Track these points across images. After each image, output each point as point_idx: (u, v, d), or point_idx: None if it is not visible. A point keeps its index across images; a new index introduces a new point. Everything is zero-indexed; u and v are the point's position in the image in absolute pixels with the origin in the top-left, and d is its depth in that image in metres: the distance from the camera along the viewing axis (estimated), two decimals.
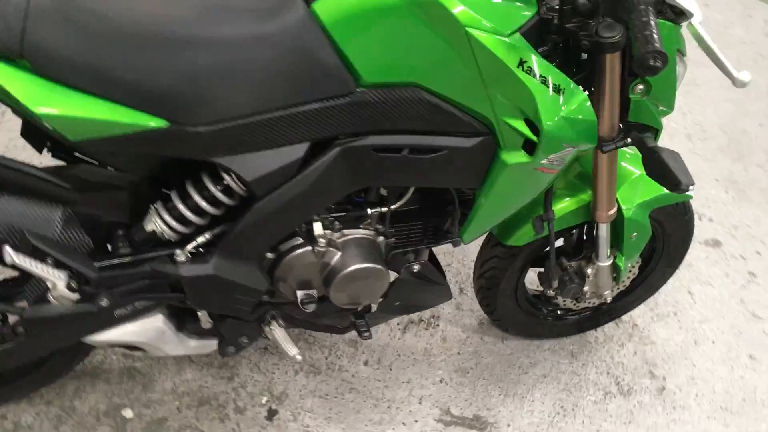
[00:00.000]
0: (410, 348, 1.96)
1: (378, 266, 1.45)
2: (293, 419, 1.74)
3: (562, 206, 1.66)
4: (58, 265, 1.22)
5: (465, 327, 2.03)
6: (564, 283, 1.79)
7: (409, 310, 1.71)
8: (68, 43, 1.08)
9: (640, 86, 1.39)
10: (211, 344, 1.53)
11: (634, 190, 1.68)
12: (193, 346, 1.52)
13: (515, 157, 1.32)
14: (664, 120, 1.49)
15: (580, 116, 1.30)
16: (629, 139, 1.46)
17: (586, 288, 1.82)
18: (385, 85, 1.22)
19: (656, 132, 1.49)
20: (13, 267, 1.20)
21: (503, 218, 1.52)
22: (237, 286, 1.36)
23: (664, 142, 2.07)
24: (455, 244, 1.62)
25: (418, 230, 1.55)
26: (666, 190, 1.68)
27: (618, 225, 1.69)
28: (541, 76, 1.24)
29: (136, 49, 1.11)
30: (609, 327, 2.09)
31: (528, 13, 1.24)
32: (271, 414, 1.75)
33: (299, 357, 1.53)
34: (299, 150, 1.25)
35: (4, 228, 1.18)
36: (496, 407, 1.87)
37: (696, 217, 2.32)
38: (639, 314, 2.13)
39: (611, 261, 1.75)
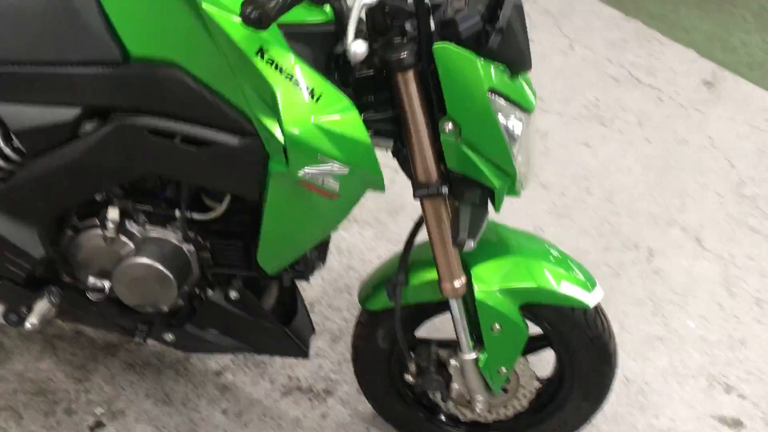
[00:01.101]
0: (280, 413, 1.76)
1: (161, 269, 1.35)
2: None
3: (423, 274, 1.45)
4: None
5: (356, 412, 1.78)
6: (423, 371, 1.53)
7: (239, 347, 1.57)
8: None
9: (449, 124, 1.21)
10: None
11: (499, 269, 1.42)
12: None
13: (276, 164, 1.20)
14: None
15: (342, 130, 1.15)
16: (444, 188, 1.26)
17: (454, 385, 1.54)
18: (150, 60, 1.20)
19: (490, 192, 1.28)
20: None
21: (299, 248, 1.36)
22: (7, 243, 1.36)
23: None
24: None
25: (240, 252, 1.44)
26: (544, 284, 1.40)
27: (471, 308, 1.43)
28: (287, 73, 1.13)
29: None
30: None
31: (307, 16, 1.16)
32: (97, 426, 1.66)
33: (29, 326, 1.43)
34: (69, 113, 1.25)
35: None
36: None
37: None
38: None
39: (474, 356, 1.47)
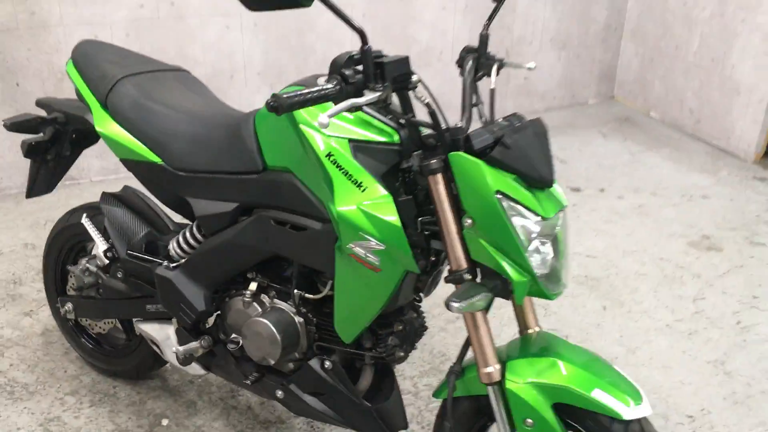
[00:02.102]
0: None
1: (273, 330, 1.74)
2: None
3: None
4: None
5: None
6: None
7: (333, 418, 1.82)
8: (128, 108, 1.93)
9: (468, 220, 1.46)
10: (196, 368, 2.00)
11: (533, 366, 1.52)
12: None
13: (338, 242, 1.56)
14: None
15: (378, 213, 1.49)
16: (467, 275, 1.48)
17: None
18: (277, 169, 1.69)
19: (505, 282, 1.46)
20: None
21: (363, 318, 1.63)
22: (184, 297, 1.88)
23: None
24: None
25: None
26: (574, 384, 1.48)
27: (503, 400, 1.53)
28: (344, 170, 1.52)
29: (165, 119, 1.90)
30: None
31: (374, 136, 1.56)
32: None
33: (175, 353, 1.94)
34: (229, 207, 1.78)
35: None
36: None
37: None
38: None
39: None
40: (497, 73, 1.74)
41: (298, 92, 1.32)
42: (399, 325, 1.76)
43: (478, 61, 1.72)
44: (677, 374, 2.43)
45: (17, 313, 2.66)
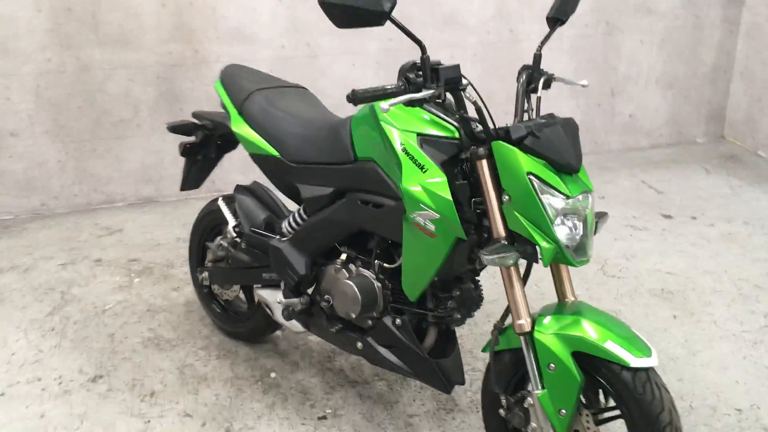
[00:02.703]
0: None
1: (356, 291, 2.13)
2: None
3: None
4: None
5: None
6: (510, 407, 1.93)
7: (403, 369, 2.17)
8: (256, 113, 2.43)
9: (506, 196, 1.81)
10: (296, 325, 2.43)
11: (558, 321, 1.81)
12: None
13: (405, 213, 1.95)
14: None
15: (436, 191, 1.86)
16: (503, 242, 1.82)
17: (532, 424, 1.89)
18: (364, 159, 2.11)
19: (535, 249, 1.78)
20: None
21: (421, 278, 1.99)
22: (289, 263, 2.32)
23: None
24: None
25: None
26: (589, 336, 1.76)
27: (532, 349, 1.83)
28: (411, 156, 1.91)
29: (284, 122, 2.38)
30: None
31: (437, 132, 1.94)
32: (323, 418, 2.41)
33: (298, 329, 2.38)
34: (328, 190, 2.22)
35: None
36: None
37: None
38: None
39: (539, 391, 1.83)
40: (548, 86, 2.07)
41: (370, 89, 1.74)
42: (457, 291, 2.11)
43: (531, 75, 2.07)
44: (733, 374, 2.58)
45: (168, 288, 3.24)
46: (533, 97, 2.01)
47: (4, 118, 3.89)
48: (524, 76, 2.06)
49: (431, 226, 1.91)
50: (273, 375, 2.64)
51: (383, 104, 1.69)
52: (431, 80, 1.80)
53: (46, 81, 3.89)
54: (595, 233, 1.95)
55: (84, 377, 2.64)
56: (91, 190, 4.14)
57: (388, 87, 1.78)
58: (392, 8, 1.70)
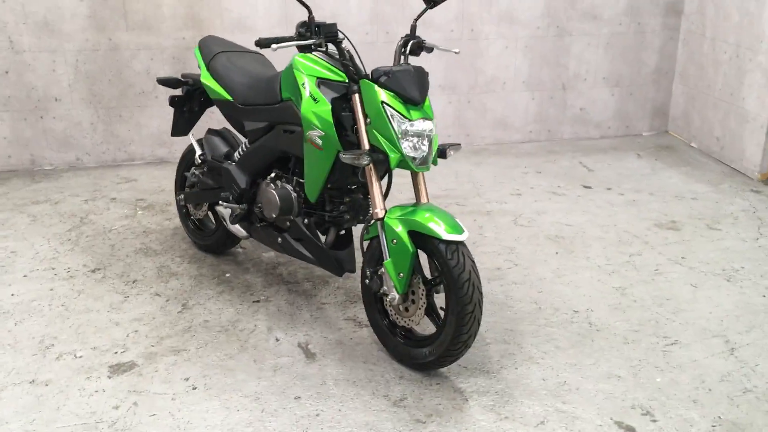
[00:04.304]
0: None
1: (276, 196, 2.83)
2: None
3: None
4: None
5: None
6: (371, 277, 2.59)
7: (310, 259, 2.85)
8: (219, 68, 3.15)
9: (368, 119, 2.48)
10: (240, 230, 3.13)
11: (402, 211, 2.48)
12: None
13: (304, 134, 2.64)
14: None
15: (322, 115, 2.55)
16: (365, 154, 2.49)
17: (384, 288, 2.54)
18: (286, 99, 2.81)
19: (387, 157, 2.45)
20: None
21: (316, 183, 2.67)
22: (234, 180, 3.03)
23: None
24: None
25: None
26: (417, 218, 2.42)
27: (383, 230, 2.49)
28: (308, 91, 2.60)
29: (237, 75, 3.09)
30: None
31: (332, 74, 2.63)
32: (256, 302, 3.10)
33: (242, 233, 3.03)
34: (263, 124, 2.93)
35: None
36: None
37: None
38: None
39: (387, 259, 2.48)
40: (420, 49, 2.72)
41: (272, 37, 2.45)
42: (347, 198, 2.79)
43: (406, 40, 2.73)
44: (583, 291, 3.19)
45: (162, 218, 3.99)
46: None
47: (50, 86, 4.72)
48: (401, 41, 2.73)
49: (319, 141, 2.60)
50: (227, 275, 3.35)
51: (273, 46, 2.40)
52: (313, 33, 2.49)
53: (84, 57, 4.71)
54: (446, 157, 2.63)
55: (86, 269, 3.39)
56: (115, 149, 4.94)
57: (285, 36, 2.49)
58: None
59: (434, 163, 2.58)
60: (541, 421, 2.33)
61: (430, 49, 2.75)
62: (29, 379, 2.56)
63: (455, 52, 2.81)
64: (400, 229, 2.45)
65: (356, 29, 4.92)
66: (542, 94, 5.38)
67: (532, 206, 4.17)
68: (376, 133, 2.47)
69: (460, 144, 2.75)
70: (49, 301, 3.09)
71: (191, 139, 3.40)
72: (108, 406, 2.42)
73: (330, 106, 2.57)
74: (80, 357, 2.69)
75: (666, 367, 2.62)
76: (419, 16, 2.75)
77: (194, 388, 2.51)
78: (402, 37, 2.74)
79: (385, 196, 2.68)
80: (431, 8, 2.76)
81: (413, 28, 2.74)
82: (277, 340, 2.81)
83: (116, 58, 4.75)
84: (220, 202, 3.22)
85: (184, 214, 3.60)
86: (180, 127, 3.58)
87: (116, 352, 2.73)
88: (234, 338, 2.82)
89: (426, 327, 2.68)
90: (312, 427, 2.31)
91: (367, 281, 2.63)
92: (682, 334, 2.84)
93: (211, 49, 3.26)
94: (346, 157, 2.46)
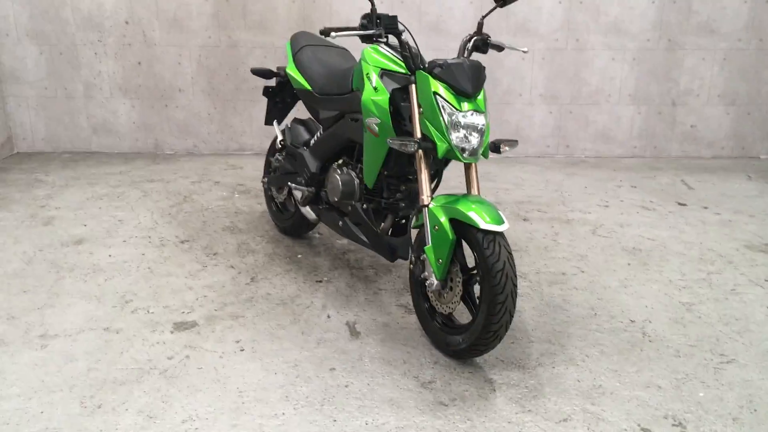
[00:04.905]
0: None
1: (339, 181, 2.96)
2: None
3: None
4: None
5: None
6: (415, 261, 2.65)
7: (359, 239, 2.95)
8: (304, 60, 3.33)
9: (420, 108, 2.55)
10: (309, 212, 3.29)
11: (446, 200, 2.52)
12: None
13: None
14: None
15: (380, 103, 2.65)
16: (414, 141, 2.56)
17: (424, 273, 2.59)
18: (355, 89, 2.93)
19: (435, 146, 2.51)
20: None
21: (373, 169, 2.76)
22: (306, 164, 3.19)
23: None
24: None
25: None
26: (458, 206, 2.46)
27: (427, 216, 2.54)
28: (370, 80, 2.71)
29: (318, 66, 3.25)
30: None
31: (395, 66, 2.73)
32: (320, 282, 3.24)
33: (312, 216, 3.18)
34: (334, 113, 3.07)
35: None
36: None
37: None
38: None
39: (428, 245, 2.53)
40: (486, 46, 2.77)
41: (336, 27, 2.59)
42: (403, 186, 2.87)
43: (471, 37, 2.78)
44: (646, 302, 3.06)
45: (254, 202, 4.26)
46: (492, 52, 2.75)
47: (176, 78, 5.16)
48: (467, 38, 2.79)
49: (375, 128, 2.70)
50: (299, 255, 3.53)
51: (333, 33, 2.53)
52: (375, 24, 2.60)
53: (206, 52, 5.11)
54: (500, 152, 2.65)
55: (177, 240, 3.69)
56: (228, 138, 5.31)
57: (349, 27, 2.62)
58: None
59: (485, 156, 2.61)
60: (564, 418, 2.29)
61: (499, 48, 2.78)
62: (104, 327, 2.84)
63: (524, 51, 2.82)
64: (442, 217, 2.50)
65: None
66: (649, 109, 5.18)
67: (616, 218, 4.05)
68: (427, 122, 2.54)
69: (516, 141, 2.75)
70: (138, 264, 3.40)
71: (275, 126, 3.62)
72: (163, 356, 2.64)
73: (388, 95, 2.67)
74: (152, 313, 2.95)
75: (713, 384, 2.48)
76: (487, 14, 2.80)
77: (242, 350, 2.68)
78: (468, 34, 2.79)
79: (434, 188, 2.73)
80: (501, 7, 2.79)
81: (480, 25, 2.79)
82: (329, 317, 2.94)
83: (234, 55, 5.11)
84: (291, 184, 3.40)
85: (269, 197, 3.83)
86: (272, 116, 3.82)
87: (183, 312, 2.96)
88: (289, 311, 2.98)
89: (465, 316, 2.71)
90: (338, 396, 2.40)
91: (411, 266, 2.70)
92: (742, 354, 2.67)
93: (300, 43, 3.46)
94: (393, 143, 2.54)
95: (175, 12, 5.01)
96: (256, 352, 2.67)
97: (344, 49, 3.53)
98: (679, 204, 4.29)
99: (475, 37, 2.76)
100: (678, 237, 3.78)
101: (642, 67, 5.07)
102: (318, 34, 3.70)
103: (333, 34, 2.54)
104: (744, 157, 5.25)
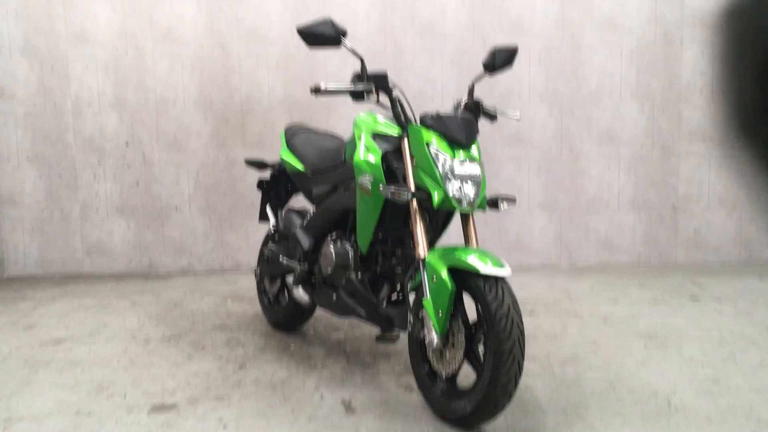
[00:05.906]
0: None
1: (332, 251, 2.84)
2: None
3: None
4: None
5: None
6: (414, 321, 2.47)
7: (356, 312, 2.77)
8: (297, 144, 3.33)
9: (414, 159, 2.50)
10: (302, 294, 3.13)
11: (442, 251, 2.39)
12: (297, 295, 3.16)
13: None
14: None
15: (370, 161, 2.59)
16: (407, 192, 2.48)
17: (424, 330, 2.39)
18: (347, 160, 2.90)
19: (429, 195, 2.43)
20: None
21: (366, 230, 2.64)
22: (299, 242, 3.08)
23: None
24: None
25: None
26: (457, 254, 2.33)
27: (424, 269, 2.40)
28: (363, 143, 2.67)
29: (310, 149, 3.25)
30: None
31: (387, 130, 2.71)
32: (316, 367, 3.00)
33: (305, 299, 3.05)
34: (328, 187, 3.02)
35: None
36: None
37: None
38: None
39: (427, 297, 2.36)
40: (479, 112, 2.77)
41: (329, 84, 2.61)
42: (398, 251, 2.75)
43: (465, 102, 2.79)
44: (668, 377, 2.82)
45: (246, 307, 4.10)
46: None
47: (173, 197, 5.19)
48: (457, 102, 2.80)
49: (368, 186, 2.63)
50: (292, 346, 3.32)
51: (322, 85, 2.54)
52: (366, 80, 2.62)
53: (204, 170, 5.17)
54: (498, 208, 2.57)
55: (163, 337, 3.50)
56: (224, 256, 5.23)
57: (341, 83, 2.65)
58: (343, 35, 2.60)
59: (482, 207, 2.52)
60: None
61: (492, 117, 2.78)
62: (75, 410, 2.59)
63: (516, 119, 2.83)
64: (440, 266, 2.36)
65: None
66: (650, 215, 5.15)
67: (627, 310, 3.86)
68: (421, 173, 2.48)
69: (515, 198, 2.68)
70: (119, 357, 3.19)
71: (269, 214, 3.56)
72: None
73: (380, 153, 2.64)
74: (128, 398, 2.71)
75: None
76: (477, 80, 2.83)
77: (225, 427, 2.43)
78: (457, 100, 2.82)
79: (431, 244, 2.62)
80: (491, 76, 2.84)
81: (470, 90, 2.82)
82: (322, 397, 2.69)
83: (231, 172, 5.17)
84: (283, 261, 3.26)
85: (262, 291, 3.68)
86: (266, 213, 3.77)
87: (163, 396, 2.72)
88: (279, 393, 2.74)
89: (469, 377, 2.48)
90: None
91: (409, 327, 2.51)
92: None
93: (294, 131, 3.50)
94: (385, 192, 2.47)
95: (175, 134, 5.14)
96: (240, 428, 2.41)
97: (338, 136, 3.56)
98: (692, 298, 4.11)
99: (464, 101, 2.77)
100: (695, 324, 3.58)
101: (639, 174, 5.10)
102: (301, 123, 3.76)
103: (323, 88, 2.55)
104: (752, 264, 5.13)
